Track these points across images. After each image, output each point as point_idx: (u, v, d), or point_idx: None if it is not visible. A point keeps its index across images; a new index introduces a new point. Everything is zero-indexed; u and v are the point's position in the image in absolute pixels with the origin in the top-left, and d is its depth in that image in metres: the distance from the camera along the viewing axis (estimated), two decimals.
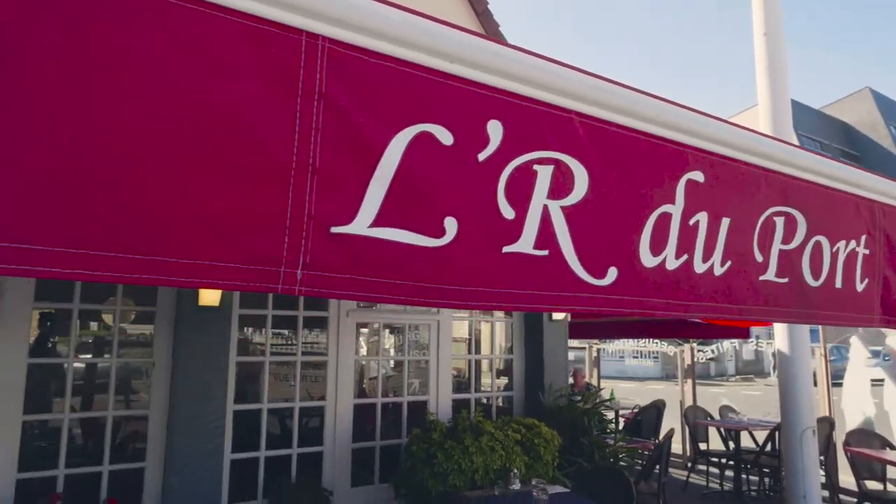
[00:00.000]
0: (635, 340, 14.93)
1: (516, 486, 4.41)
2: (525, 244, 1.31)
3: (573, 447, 5.36)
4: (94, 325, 4.89)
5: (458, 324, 6.08)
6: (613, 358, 28.31)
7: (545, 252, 1.33)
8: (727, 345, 15.75)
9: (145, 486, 4.37)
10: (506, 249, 1.29)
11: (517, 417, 5.40)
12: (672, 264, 1.55)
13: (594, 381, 11.14)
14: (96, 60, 0.88)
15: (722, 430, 8.26)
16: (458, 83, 1.16)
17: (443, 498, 4.10)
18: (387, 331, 5.93)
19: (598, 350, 12.10)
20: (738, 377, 30.21)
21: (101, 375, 4.64)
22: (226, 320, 4.49)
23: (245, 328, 4.95)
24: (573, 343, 10.87)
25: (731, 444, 7.72)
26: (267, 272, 1.01)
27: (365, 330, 5.93)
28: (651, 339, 13.90)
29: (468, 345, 6.17)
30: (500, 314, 6.31)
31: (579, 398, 5.93)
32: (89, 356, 4.74)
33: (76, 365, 4.46)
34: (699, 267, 1.61)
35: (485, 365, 6.23)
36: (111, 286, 4.40)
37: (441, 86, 1.13)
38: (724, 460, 7.81)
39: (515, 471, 4.50)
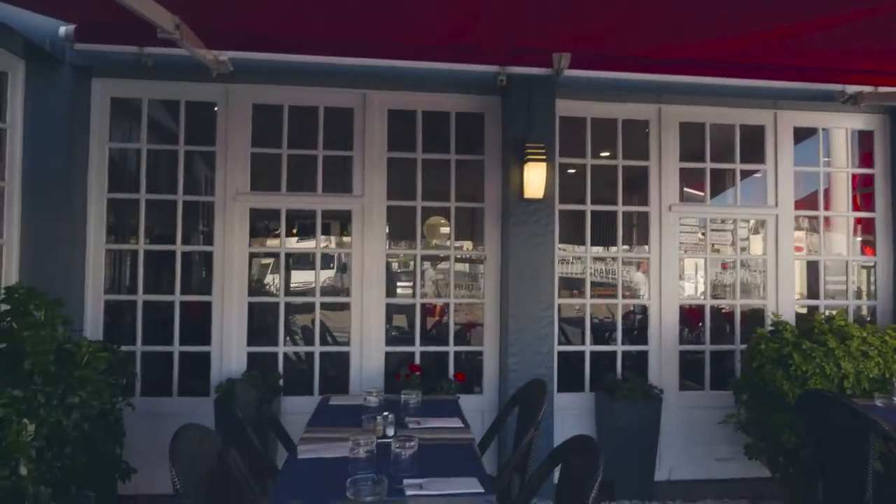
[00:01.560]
0: None
1: None
2: None
3: None
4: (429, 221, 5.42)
5: (799, 221, 5.19)
6: None
7: None
8: None
9: (484, 368, 4.75)
10: None
11: (892, 325, 4.42)
12: None
13: None
14: None
15: None
16: None
17: (813, 397, 3.54)
18: (714, 226, 5.36)
19: None
20: None
21: (441, 266, 5.14)
22: (549, 213, 4.49)
23: (564, 222, 4.93)
24: None
25: None
26: None
27: (689, 225, 5.46)
28: None
29: (811, 244, 5.24)
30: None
31: None
32: (430, 251, 5.27)
33: (421, 254, 4.98)
34: None
35: (835, 268, 5.24)
36: (447, 180, 4.76)
37: None
38: None
39: None
